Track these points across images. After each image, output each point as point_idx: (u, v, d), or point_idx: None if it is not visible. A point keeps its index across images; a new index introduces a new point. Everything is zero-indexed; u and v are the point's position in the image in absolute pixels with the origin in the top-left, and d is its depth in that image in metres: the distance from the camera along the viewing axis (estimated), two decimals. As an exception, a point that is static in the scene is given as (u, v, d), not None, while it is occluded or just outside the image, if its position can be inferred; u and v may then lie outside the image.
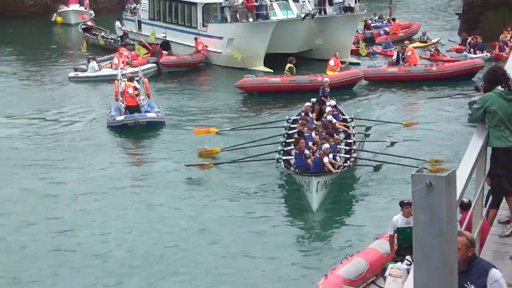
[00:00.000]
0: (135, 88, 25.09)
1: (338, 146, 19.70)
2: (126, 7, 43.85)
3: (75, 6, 50.98)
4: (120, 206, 17.75)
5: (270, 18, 34.20)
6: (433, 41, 38.55)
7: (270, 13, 34.32)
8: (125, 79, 25.59)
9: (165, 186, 19.11)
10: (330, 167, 17.70)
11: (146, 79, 26.86)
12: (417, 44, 38.50)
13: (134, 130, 23.99)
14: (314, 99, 23.59)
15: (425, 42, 39.02)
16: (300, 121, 21.14)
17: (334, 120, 21.22)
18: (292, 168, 18.70)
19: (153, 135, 24.06)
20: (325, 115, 21.76)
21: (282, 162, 19.25)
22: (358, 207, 17.74)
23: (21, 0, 53.09)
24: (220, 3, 34.85)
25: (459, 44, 37.19)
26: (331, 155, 18.15)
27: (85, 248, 15.42)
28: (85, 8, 51.50)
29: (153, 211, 17.49)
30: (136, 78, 25.91)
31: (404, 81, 29.93)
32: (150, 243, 15.55)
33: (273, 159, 19.91)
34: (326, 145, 18.00)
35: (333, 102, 22.81)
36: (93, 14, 51.27)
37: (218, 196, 18.22)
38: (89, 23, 45.95)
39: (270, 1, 34.51)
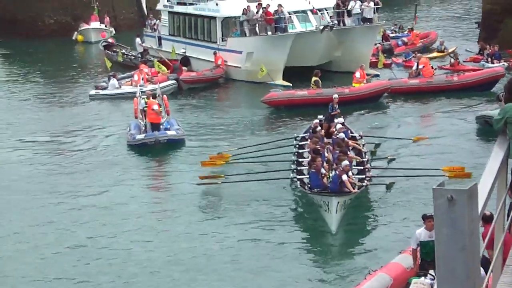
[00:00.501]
0: (159, 105, 25.08)
1: (352, 165, 19.17)
2: (147, 23, 44.22)
3: (95, 24, 51.38)
4: (139, 227, 17.75)
5: (289, 30, 34.25)
6: (450, 50, 38.38)
7: (288, 25, 34.36)
8: (145, 96, 25.66)
9: (185, 206, 18.97)
10: (349, 185, 17.25)
11: (165, 96, 26.88)
12: (435, 54, 38.39)
13: (154, 149, 23.86)
14: (320, 116, 22.89)
15: (443, 51, 38.86)
16: (312, 139, 20.66)
17: (345, 138, 20.63)
18: (306, 188, 18.27)
19: (173, 153, 23.93)
20: (335, 132, 21.22)
21: (298, 182, 18.78)
22: (378, 224, 17.48)
23: (42, 19, 53.62)
24: (239, 17, 34.99)
25: (477, 54, 36.96)
26: (350, 173, 17.75)
27: (105, 268, 15.50)
28: (106, 26, 51.88)
29: (171, 232, 17.39)
30: (156, 96, 26.02)
31: (425, 92, 29.82)
32: (169, 263, 15.54)
33: (287, 178, 19.56)
34: (346, 162, 17.62)
35: (341, 120, 22.32)
36: (114, 32, 51.68)
37: (234, 217, 18.02)
38: (110, 40, 46.28)
39: (289, 14, 34.55)
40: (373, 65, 35.26)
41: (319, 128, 21.77)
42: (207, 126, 27.40)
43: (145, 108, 25.19)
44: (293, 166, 20.05)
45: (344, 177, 17.26)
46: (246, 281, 14.62)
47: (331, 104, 23.89)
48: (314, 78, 29.02)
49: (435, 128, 25.86)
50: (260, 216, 18.02)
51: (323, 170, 18.11)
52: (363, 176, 18.89)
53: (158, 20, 42.47)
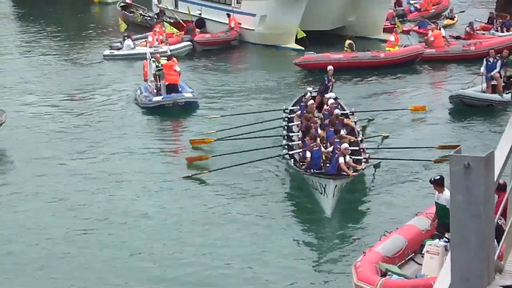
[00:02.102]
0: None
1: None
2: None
3: (111, -15, 50.88)
4: (153, 187, 17.97)
5: (303, -6, 33.99)
6: (455, 19, 38.18)
7: (303, -11, 34.10)
8: (155, 60, 25.28)
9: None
10: (345, 168, 16.42)
11: (175, 58, 26.74)
12: (446, 21, 38.11)
13: (170, 111, 23.79)
14: (310, 88, 22.41)
15: (452, 18, 38.61)
16: (305, 115, 19.48)
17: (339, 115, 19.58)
18: (298, 165, 17.37)
19: (188, 116, 23.87)
20: (328, 108, 20.26)
21: (292, 160, 17.78)
22: (374, 203, 16.94)
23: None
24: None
25: (486, 23, 36.54)
26: (347, 157, 16.85)
27: (114, 228, 15.82)
28: (122, -14, 51.35)
29: (169, 198, 17.47)
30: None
31: (443, 61, 29.95)
32: (168, 236, 15.49)
33: (279, 155, 18.57)
34: (345, 145, 16.89)
35: (333, 95, 21.51)
36: (131, -8, 51.16)
37: (231, 195, 17.47)
38: (127, 0, 45.91)
39: (303, -23, 34.24)
40: (387, 30, 35.02)
41: (311, 102, 20.77)
42: (221, 88, 27.39)
43: (157, 72, 24.99)
44: (284, 142, 19.12)
45: (341, 159, 16.54)
46: (240, 268, 14.12)
47: (327, 76, 22.82)
48: (348, 41, 29.10)
49: (433, 98, 25.73)
50: (251, 196, 17.36)
51: (323, 149, 17.42)
52: (360, 158, 17.84)
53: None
